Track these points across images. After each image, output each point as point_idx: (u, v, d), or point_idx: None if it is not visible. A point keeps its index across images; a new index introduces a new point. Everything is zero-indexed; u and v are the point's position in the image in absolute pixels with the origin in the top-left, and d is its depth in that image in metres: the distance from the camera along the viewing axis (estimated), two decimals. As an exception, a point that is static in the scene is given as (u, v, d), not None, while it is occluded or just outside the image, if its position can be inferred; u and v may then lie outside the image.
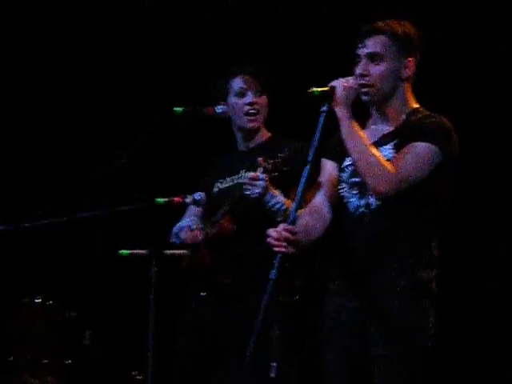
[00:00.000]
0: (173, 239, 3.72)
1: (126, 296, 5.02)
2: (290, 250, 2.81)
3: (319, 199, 3.06)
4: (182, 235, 3.64)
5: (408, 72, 2.99)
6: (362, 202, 2.96)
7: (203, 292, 3.66)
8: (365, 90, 2.95)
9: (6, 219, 3.76)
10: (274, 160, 3.36)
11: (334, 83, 2.92)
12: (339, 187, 3.03)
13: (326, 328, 2.98)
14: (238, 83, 3.67)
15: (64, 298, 4.65)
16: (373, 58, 2.96)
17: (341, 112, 2.90)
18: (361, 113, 3.03)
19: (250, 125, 3.68)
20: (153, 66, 5.18)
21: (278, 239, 2.80)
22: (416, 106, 3.04)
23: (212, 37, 5.08)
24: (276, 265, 2.77)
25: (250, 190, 3.40)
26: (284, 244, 2.79)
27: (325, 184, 3.07)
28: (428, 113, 3.00)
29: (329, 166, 3.09)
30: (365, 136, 2.91)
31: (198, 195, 3.66)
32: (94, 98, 5.24)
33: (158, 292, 3.71)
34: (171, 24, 5.14)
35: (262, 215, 3.44)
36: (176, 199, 3.65)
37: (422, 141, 2.88)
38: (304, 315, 3.51)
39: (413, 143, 2.90)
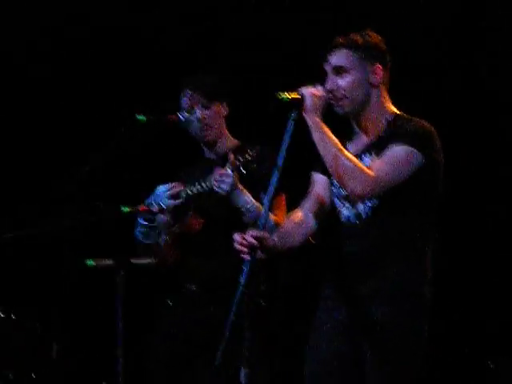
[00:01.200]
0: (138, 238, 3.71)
1: (93, 306, 4.97)
2: (258, 255, 2.82)
3: (302, 208, 3.12)
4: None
5: (377, 77, 3.03)
6: (353, 212, 3.00)
7: (171, 299, 3.64)
8: (338, 103, 3.00)
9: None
10: (243, 157, 3.38)
11: (303, 91, 2.95)
12: (334, 200, 3.09)
13: (317, 332, 3.02)
14: (184, 100, 3.69)
15: (29, 311, 4.59)
16: (338, 71, 3.02)
17: (311, 120, 2.93)
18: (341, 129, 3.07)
19: (205, 139, 3.71)
20: (113, 72, 5.15)
21: (241, 244, 2.81)
22: (395, 110, 3.07)
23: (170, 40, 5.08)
24: (245, 270, 2.77)
25: (217, 186, 3.41)
26: (246, 250, 2.80)
27: (311, 195, 3.14)
28: (409, 117, 3.03)
29: (317, 178, 3.15)
30: (337, 141, 2.93)
31: (165, 202, 3.63)
32: (52, 109, 5.19)
33: (126, 301, 3.69)
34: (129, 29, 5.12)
35: (231, 214, 3.45)
36: (142, 208, 3.64)
37: (401, 143, 2.91)
38: (273, 319, 3.52)
39: (391, 146, 2.93)
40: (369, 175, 2.87)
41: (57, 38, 5.09)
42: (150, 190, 3.71)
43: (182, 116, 3.66)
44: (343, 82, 3.01)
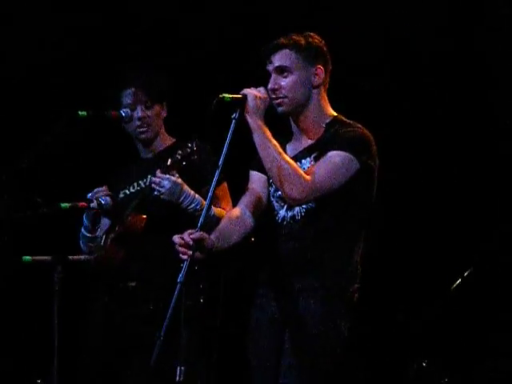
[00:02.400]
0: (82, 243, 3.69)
1: (30, 303, 4.91)
2: (197, 255, 2.83)
3: (240, 206, 3.14)
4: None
5: (318, 79, 3.06)
6: (289, 214, 3.04)
7: (109, 294, 3.62)
8: (278, 101, 3.02)
9: None
10: (183, 150, 3.38)
11: (245, 91, 2.97)
12: (271, 199, 3.11)
13: (254, 329, 3.06)
14: (126, 97, 3.66)
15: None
16: (281, 71, 3.05)
17: (253, 121, 2.95)
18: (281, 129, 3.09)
19: (142, 136, 3.69)
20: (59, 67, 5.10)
21: (181, 245, 2.82)
22: (333, 113, 3.11)
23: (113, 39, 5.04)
24: (184, 268, 2.78)
25: (157, 189, 3.40)
26: (185, 250, 2.81)
27: (248, 193, 3.16)
28: (347, 122, 3.07)
29: (254, 177, 3.17)
30: (277, 144, 2.95)
31: (104, 199, 3.62)
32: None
33: (63, 298, 3.65)
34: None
35: (171, 211, 3.45)
36: (81, 204, 3.61)
37: (338, 150, 2.94)
38: (210, 317, 3.52)
39: (329, 152, 2.96)
40: (305, 180, 2.90)
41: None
42: (86, 186, 3.68)
43: (124, 113, 3.64)
44: (285, 81, 3.03)
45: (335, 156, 2.94)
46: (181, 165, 3.37)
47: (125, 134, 3.75)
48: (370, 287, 3.18)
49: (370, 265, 3.14)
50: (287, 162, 2.92)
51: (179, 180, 3.42)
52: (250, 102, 2.94)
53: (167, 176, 3.39)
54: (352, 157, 2.94)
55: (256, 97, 2.95)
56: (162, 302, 3.17)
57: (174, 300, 2.73)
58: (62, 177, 4.99)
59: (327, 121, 3.08)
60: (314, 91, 3.06)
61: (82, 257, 3.76)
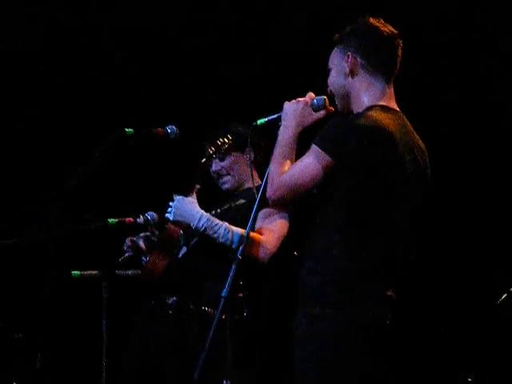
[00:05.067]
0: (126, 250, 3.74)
1: (79, 317, 4.98)
2: None
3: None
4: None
5: (349, 66, 2.96)
6: None
7: (150, 308, 3.65)
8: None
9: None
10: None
11: (285, 105, 3.01)
12: None
13: None
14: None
15: (14, 321, 4.60)
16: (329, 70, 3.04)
17: (282, 125, 2.96)
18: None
19: (224, 188, 3.74)
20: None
21: None
22: (369, 104, 2.94)
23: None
24: (228, 282, 2.79)
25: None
26: None
27: None
28: (359, 112, 2.93)
29: None
30: (285, 150, 2.91)
31: (151, 215, 3.67)
32: (42, 118, 5.21)
33: (110, 313, 3.70)
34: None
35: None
36: (128, 219, 3.66)
37: (313, 143, 2.85)
38: (254, 330, 3.53)
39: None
40: (277, 178, 2.85)
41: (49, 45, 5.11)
42: (137, 202, 3.73)
43: (169, 129, 3.67)
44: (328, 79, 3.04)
45: (309, 151, 2.85)
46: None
47: (172, 151, 3.79)
48: (415, 298, 3.12)
49: (416, 273, 3.07)
50: (275, 163, 2.89)
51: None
52: (285, 108, 2.97)
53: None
54: (320, 151, 2.81)
55: (292, 103, 2.97)
56: (205, 318, 3.19)
57: (218, 314, 2.74)
58: (111, 193, 5.06)
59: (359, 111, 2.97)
60: (348, 80, 2.98)
61: (129, 272, 3.81)
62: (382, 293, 2.80)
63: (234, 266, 2.80)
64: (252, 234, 3.43)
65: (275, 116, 3.00)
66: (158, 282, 3.59)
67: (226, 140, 3.55)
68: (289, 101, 3.01)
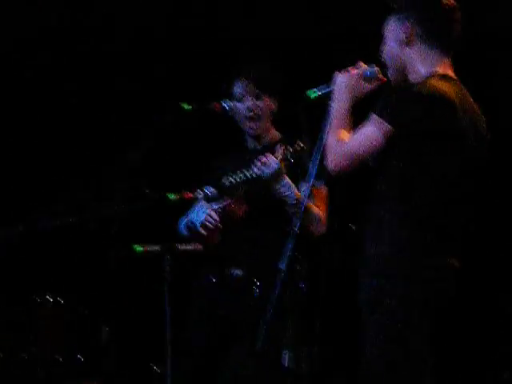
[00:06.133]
0: (183, 231, 3.76)
1: (141, 292, 5.05)
2: None
3: None
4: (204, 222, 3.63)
5: (406, 35, 2.91)
6: None
7: (214, 279, 3.68)
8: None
9: (18, 219, 3.81)
10: (292, 147, 3.45)
11: (336, 75, 2.96)
12: None
13: None
14: (237, 88, 3.71)
15: (78, 296, 4.69)
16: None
17: (335, 98, 2.91)
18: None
19: (251, 131, 3.73)
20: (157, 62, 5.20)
21: None
22: (426, 74, 2.88)
23: (213, 33, 5.10)
24: (286, 255, 2.81)
25: (260, 169, 3.45)
26: None
27: None
28: (419, 81, 2.87)
29: None
30: (341, 122, 2.87)
31: (210, 190, 3.69)
32: (99, 95, 5.27)
33: (172, 287, 3.75)
34: (168, 21, 5.17)
35: (274, 201, 3.50)
36: (187, 195, 3.69)
37: (372, 113, 2.80)
38: (313, 304, 3.55)
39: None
40: (339, 149, 2.81)
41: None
42: (194, 177, 3.76)
43: (226, 105, 3.69)
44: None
45: (368, 120, 2.80)
46: (288, 161, 3.42)
47: (231, 125, 3.81)
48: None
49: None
50: (334, 134, 2.84)
51: (284, 168, 3.47)
52: (337, 79, 2.92)
53: (275, 159, 3.44)
54: (381, 120, 2.76)
55: (343, 75, 2.92)
56: (267, 290, 3.20)
57: (278, 287, 2.76)
58: (169, 167, 5.11)
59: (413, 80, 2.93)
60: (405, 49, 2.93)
61: (191, 246, 3.84)
62: (446, 263, 2.78)
63: (291, 240, 2.82)
64: (311, 207, 3.46)
65: (328, 89, 2.96)
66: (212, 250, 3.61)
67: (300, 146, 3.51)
68: (339, 71, 2.97)
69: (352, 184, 3.34)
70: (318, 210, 3.55)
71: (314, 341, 3.50)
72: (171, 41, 5.21)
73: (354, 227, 3.21)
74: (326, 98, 2.93)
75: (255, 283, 3.51)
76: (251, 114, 3.68)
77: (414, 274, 2.72)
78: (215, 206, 3.60)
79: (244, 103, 3.69)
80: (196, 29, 5.16)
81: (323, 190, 3.61)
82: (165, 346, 3.73)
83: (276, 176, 3.46)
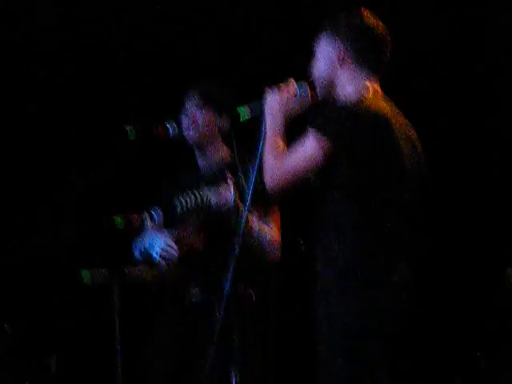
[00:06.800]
0: (139, 258, 3.72)
1: (90, 317, 4.99)
2: None
3: None
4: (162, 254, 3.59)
5: (338, 55, 2.95)
6: None
7: (172, 306, 3.65)
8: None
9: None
10: (241, 169, 3.47)
11: (267, 93, 2.97)
12: None
13: None
14: (185, 101, 3.74)
15: (27, 323, 4.62)
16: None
17: (269, 117, 2.92)
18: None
19: (189, 137, 3.72)
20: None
21: None
22: (355, 95, 2.93)
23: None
24: (229, 277, 2.83)
25: (217, 204, 3.44)
26: None
27: None
28: (354, 99, 2.90)
29: None
30: (277, 140, 2.88)
31: (156, 213, 3.66)
32: (42, 120, 5.20)
33: (123, 310, 3.71)
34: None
35: (228, 225, 3.48)
36: (134, 218, 3.65)
37: (312, 129, 2.82)
38: (263, 318, 3.52)
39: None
40: (278, 168, 2.82)
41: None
42: (143, 199, 3.73)
43: (170, 128, 3.68)
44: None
45: (306, 136, 2.83)
46: (242, 187, 3.44)
47: (180, 145, 3.80)
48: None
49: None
50: (270, 151, 2.86)
51: (237, 198, 3.46)
52: (267, 99, 2.94)
53: (230, 193, 3.43)
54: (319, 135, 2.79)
55: (274, 93, 2.94)
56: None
57: (222, 306, 2.77)
58: (116, 190, 5.05)
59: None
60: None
61: (140, 267, 3.79)
62: (399, 277, 2.79)
63: (233, 262, 2.85)
64: (266, 230, 3.46)
65: (259, 107, 2.96)
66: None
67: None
68: (270, 88, 2.97)
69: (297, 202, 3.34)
70: (273, 235, 3.55)
71: (267, 355, 3.46)
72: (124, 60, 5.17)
73: (302, 242, 3.21)
74: (257, 115, 2.95)
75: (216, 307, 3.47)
76: (190, 123, 3.70)
77: (368, 293, 2.73)
78: (168, 235, 3.58)
79: (187, 115, 3.71)
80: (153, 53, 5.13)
81: (277, 213, 3.61)
82: (116, 373, 3.67)
83: (233, 208, 3.44)
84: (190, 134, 3.71)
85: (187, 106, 3.73)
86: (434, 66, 4.88)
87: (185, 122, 3.71)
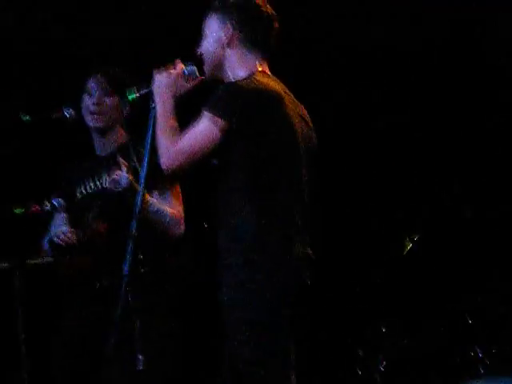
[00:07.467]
0: (47, 249, 3.68)
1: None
2: None
3: None
4: (56, 240, 3.59)
5: (227, 37, 3.00)
6: None
7: (81, 297, 3.61)
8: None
9: None
10: (135, 154, 3.47)
11: (154, 74, 3.00)
12: None
13: None
14: (90, 82, 3.71)
15: None
16: None
17: (158, 98, 2.95)
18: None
19: (91, 124, 3.70)
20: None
21: None
22: (244, 75, 2.99)
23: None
24: (127, 259, 2.86)
25: (114, 186, 3.43)
26: None
27: None
28: (246, 77, 2.96)
29: None
30: (169, 121, 2.92)
31: (57, 201, 3.62)
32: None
33: (26, 303, 3.66)
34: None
35: (127, 207, 3.47)
36: (34, 208, 3.61)
37: (205, 109, 2.87)
38: (172, 305, 3.54)
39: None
40: (172, 148, 2.86)
41: None
42: (42, 188, 3.68)
43: (67, 114, 3.64)
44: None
45: (201, 118, 2.88)
46: (135, 169, 3.43)
47: (78, 132, 3.76)
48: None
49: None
50: (163, 135, 2.89)
51: (131, 177, 3.45)
52: (155, 80, 2.97)
53: (125, 175, 3.42)
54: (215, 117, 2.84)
55: (161, 74, 2.97)
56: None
57: (122, 291, 2.77)
58: (14, 179, 4.97)
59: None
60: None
61: (43, 260, 3.75)
62: (298, 252, 2.85)
63: (130, 243, 2.87)
64: (166, 208, 3.46)
65: (147, 90, 2.99)
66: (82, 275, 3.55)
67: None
68: (157, 69, 3.00)
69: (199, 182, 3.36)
70: (174, 211, 3.56)
71: (177, 341, 3.47)
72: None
73: (206, 225, 3.24)
74: (147, 97, 2.96)
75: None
76: (95, 107, 3.67)
77: (271, 264, 2.79)
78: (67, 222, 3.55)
79: (92, 97, 3.68)
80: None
81: (177, 189, 3.62)
82: (20, 361, 3.63)
83: (129, 190, 3.42)
84: (94, 117, 3.68)
85: (94, 91, 3.69)
86: (434, 66, 4.92)
87: (91, 107, 3.68)
